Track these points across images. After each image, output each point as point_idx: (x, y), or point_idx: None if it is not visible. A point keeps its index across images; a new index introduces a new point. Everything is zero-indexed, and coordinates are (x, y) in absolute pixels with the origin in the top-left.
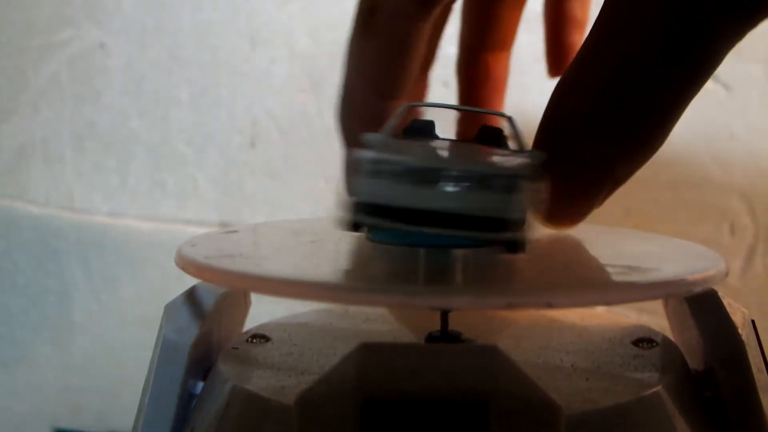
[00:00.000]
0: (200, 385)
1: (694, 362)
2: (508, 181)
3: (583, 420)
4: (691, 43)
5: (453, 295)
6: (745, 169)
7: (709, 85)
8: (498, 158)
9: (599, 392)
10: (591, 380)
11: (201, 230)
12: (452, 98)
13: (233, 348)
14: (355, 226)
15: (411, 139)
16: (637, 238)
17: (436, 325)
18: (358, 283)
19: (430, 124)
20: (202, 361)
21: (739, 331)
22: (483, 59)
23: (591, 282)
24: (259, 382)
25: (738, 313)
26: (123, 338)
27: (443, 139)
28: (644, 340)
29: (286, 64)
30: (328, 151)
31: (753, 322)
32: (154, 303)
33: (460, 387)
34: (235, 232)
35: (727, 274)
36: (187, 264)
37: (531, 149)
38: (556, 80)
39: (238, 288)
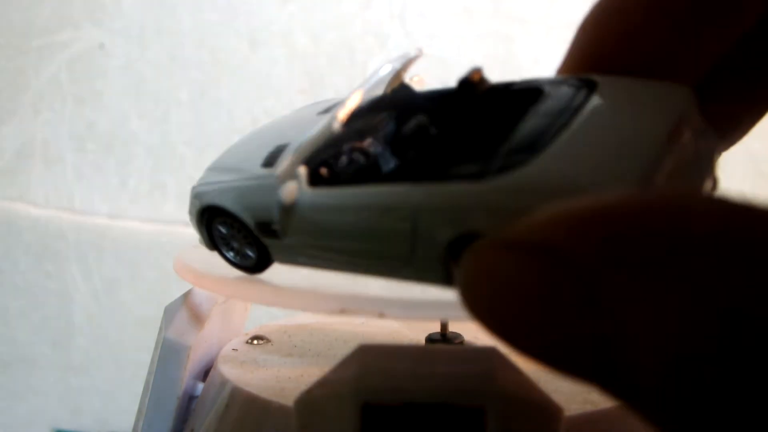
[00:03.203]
0: (200, 386)
1: None
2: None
3: (583, 421)
4: None
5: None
6: (744, 170)
7: None
8: None
9: (599, 394)
10: None
11: None
12: None
13: (233, 349)
14: None
15: None
16: None
17: (435, 326)
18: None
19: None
20: (202, 363)
21: None
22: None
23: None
24: (259, 384)
25: None
26: (123, 339)
27: None
28: None
29: (285, 65)
30: None
31: None
32: (153, 304)
33: (458, 389)
34: None
35: None
36: (185, 272)
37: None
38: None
39: (238, 299)
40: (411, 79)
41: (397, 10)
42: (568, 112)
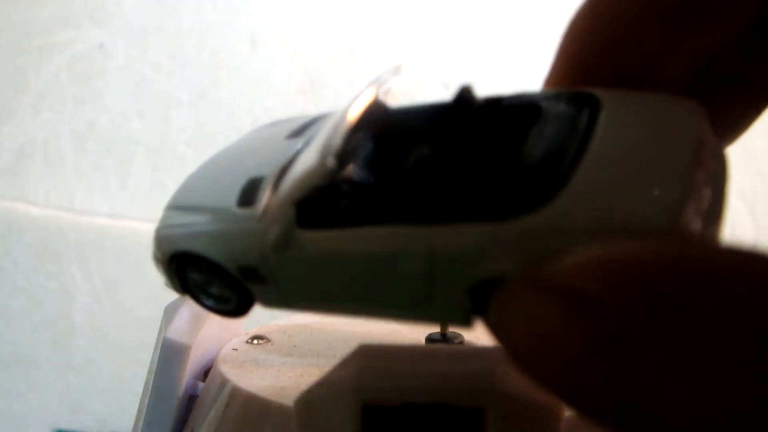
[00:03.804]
0: (200, 386)
1: None
2: None
3: (582, 421)
4: None
5: None
6: (744, 169)
7: None
8: None
9: None
10: None
11: None
12: None
13: (233, 349)
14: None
15: None
16: None
17: (435, 326)
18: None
19: None
20: (202, 363)
21: None
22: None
23: None
24: (259, 384)
25: None
26: (123, 339)
27: None
28: None
29: (285, 65)
30: None
31: None
32: (154, 304)
33: (458, 389)
34: None
35: None
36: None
37: None
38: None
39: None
40: (383, 92)
41: (397, 10)
42: (577, 135)
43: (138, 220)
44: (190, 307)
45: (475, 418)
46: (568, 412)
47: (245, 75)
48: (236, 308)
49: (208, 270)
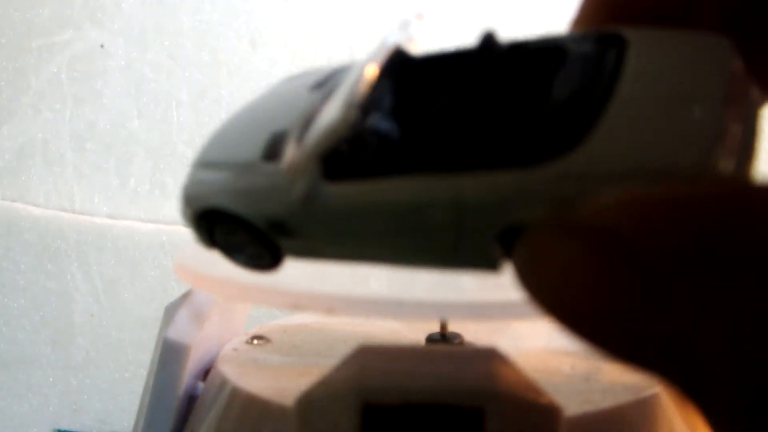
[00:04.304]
0: (200, 386)
1: None
2: None
3: (582, 421)
4: None
5: None
6: None
7: None
8: None
9: (598, 394)
10: (590, 382)
11: None
12: None
13: (233, 349)
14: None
15: None
16: None
17: (436, 326)
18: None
19: None
20: (202, 363)
21: None
22: None
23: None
24: (259, 384)
25: None
26: (123, 339)
27: None
28: None
29: (285, 65)
30: None
31: None
32: (154, 304)
33: (458, 389)
34: None
35: None
36: (185, 273)
37: None
38: None
39: (237, 300)
40: (405, 40)
41: (397, 10)
42: (604, 76)
43: (138, 220)
44: (190, 307)
45: (475, 418)
46: (568, 412)
47: (245, 75)
48: (270, 263)
49: (236, 226)
